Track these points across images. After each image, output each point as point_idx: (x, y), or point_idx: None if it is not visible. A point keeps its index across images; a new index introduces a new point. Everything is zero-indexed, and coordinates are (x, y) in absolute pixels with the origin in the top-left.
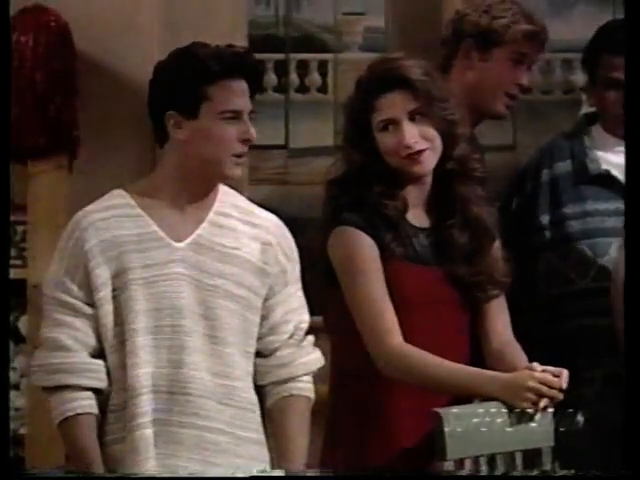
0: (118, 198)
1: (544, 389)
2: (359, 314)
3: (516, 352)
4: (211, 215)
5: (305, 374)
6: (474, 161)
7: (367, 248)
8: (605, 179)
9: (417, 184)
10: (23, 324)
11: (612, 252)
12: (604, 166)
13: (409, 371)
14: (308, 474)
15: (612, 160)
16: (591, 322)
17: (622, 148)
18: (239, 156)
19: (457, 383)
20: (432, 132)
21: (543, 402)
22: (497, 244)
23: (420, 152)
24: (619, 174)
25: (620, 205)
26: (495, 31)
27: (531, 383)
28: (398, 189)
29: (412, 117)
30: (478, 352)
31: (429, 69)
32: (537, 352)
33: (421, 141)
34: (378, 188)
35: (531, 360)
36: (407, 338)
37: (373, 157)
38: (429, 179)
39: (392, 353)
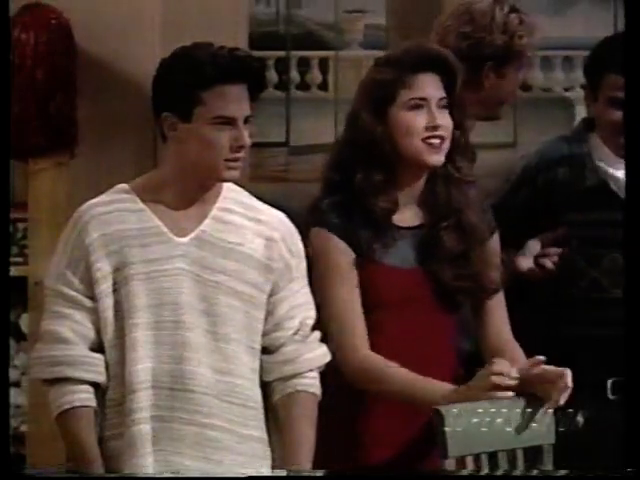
0: (121, 192)
1: (502, 380)
2: (327, 320)
3: (514, 351)
4: (215, 211)
5: (311, 370)
6: (469, 168)
7: (339, 253)
8: (602, 189)
9: (411, 182)
10: (24, 322)
11: (605, 264)
12: (602, 176)
13: (368, 383)
14: (308, 474)
15: (610, 170)
16: (583, 332)
17: (620, 160)
18: (233, 160)
19: (412, 396)
20: (451, 127)
21: (506, 393)
22: (491, 250)
23: (440, 142)
24: (616, 185)
25: (616, 216)
26: (517, 51)
27: (488, 383)
28: (392, 185)
29: (438, 106)
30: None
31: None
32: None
33: (444, 129)
34: (376, 176)
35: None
36: (387, 341)
37: (380, 141)
38: (423, 179)
39: (354, 365)
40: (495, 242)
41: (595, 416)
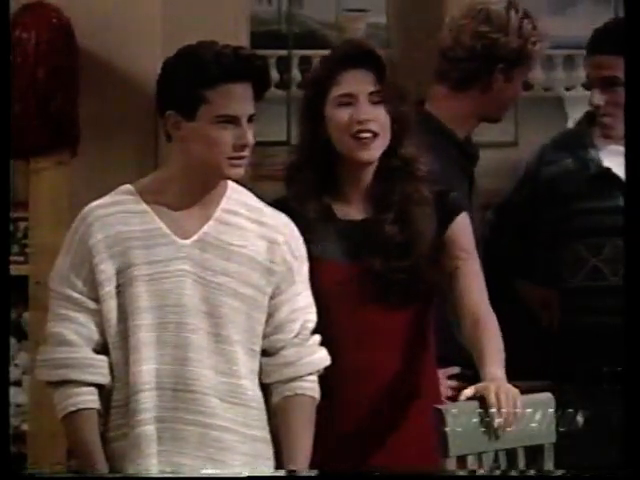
0: (125, 194)
1: None
2: None
3: (487, 318)
4: (218, 213)
5: (310, 373)
6: (419, 161)
7: None
8: (606, 177)
9: (356, 178)
10: (25, 321)
11: (606, 252)
12: (605, 164)
13: None
14: (308, 474)
15: (613, 158)
16: (582, 321)
17: (621, 147)
18: (236, 159)
19: None
20: (386, 121)
21: None
22: (443, 241)
23: (372, 136)
24: (620, 172)
25: (620, 203)
26: (528, 56)
27: None
28: (327, 184)
29: (371, 101)
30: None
31: (391, 57)
32: (531, 349)
33: (374, 123)
34: (310, 182)
35: (525, 353)
36: (339, 340)
37: (319, 140)
38: (369, 173)
39: None
40: (452, 231)
41: (595, 405)
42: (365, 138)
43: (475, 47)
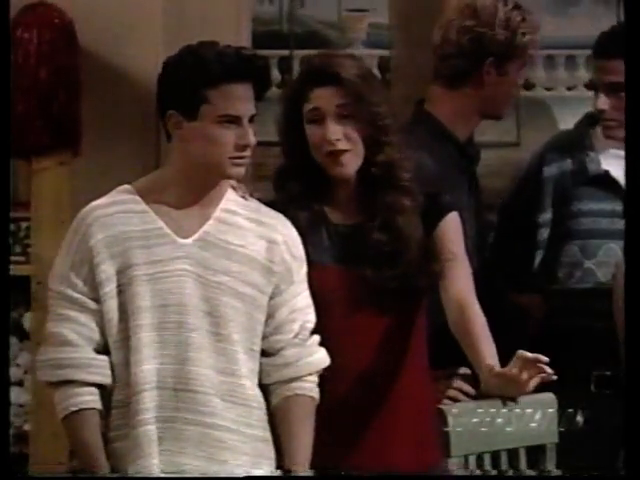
0: (124, 194)
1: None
2: None
3: (472, 311)
4: (218, 212)
5: (310, 374)
6: (401, 169)
7: None
8: (604, 180)
9: (341, 184)
10: (27, 321)
11: (601, 255)
12: (604, 166)
13: None
14: (308, 474)
15: (612, 161)
16: (571, 322)
17: (620, 151)
18: (238, 158)
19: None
20: (355, 135)
21: None
22: (431, 244)
23: (342, 153)
24: (618, 175)
25: (617, 206)
26: (517, 47)
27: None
28: (319, 190)
29: (339, 116)
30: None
31: (365, 70)
32: (523, 348)
33: (343, 141)
34: (300, 187)
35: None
36: (324, 340)
37: (302, 151)
38: (352, 181)
39: None
40: (440, 231)
41: (589, 409)
42: (336, 156)
43: (462, 43)
